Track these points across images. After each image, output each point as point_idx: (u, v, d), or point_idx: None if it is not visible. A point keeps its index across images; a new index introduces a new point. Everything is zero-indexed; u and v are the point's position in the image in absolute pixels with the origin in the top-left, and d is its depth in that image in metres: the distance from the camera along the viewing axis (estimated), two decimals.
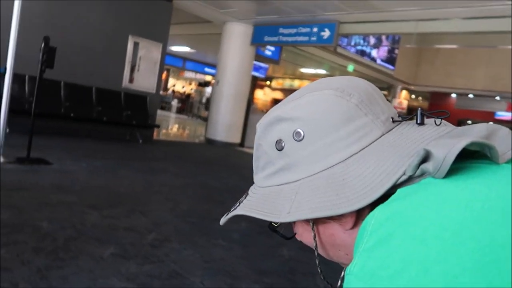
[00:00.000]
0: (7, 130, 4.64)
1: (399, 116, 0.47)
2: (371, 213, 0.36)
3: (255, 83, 17.36)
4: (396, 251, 0.32)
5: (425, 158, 0.36)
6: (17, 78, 6.06)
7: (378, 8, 6.93)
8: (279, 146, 0.46)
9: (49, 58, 4.61)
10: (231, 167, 6.86)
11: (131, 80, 8.16)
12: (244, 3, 7.92)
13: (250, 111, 10.24)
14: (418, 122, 0.44)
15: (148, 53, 8.37)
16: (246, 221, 3.58)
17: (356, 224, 0.43)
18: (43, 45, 4.56)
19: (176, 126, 15.13)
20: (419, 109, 0.46)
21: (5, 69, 4.47)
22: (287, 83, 20.90)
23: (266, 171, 0.49)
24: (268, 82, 21.79)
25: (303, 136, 0.44)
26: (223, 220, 0.52)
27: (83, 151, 5.82)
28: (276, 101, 22.02)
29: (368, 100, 0.45)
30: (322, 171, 0.43)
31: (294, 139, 0.45)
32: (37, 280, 2.01)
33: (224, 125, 9.65)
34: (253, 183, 0.53)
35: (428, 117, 0.46)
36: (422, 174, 0.37)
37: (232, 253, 2.83)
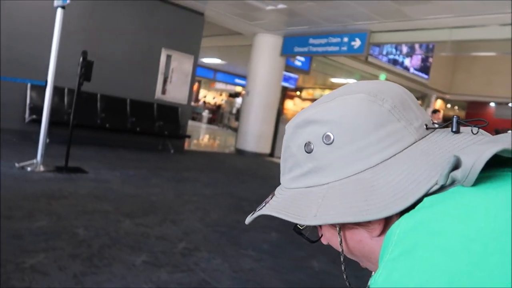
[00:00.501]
0: (47, 140, 4.86)
1: (433, 123, 0.45)
2: (396, 223, 0.36)
3: (285, 94, 17.39)
4: (421, 262, 0.31)
5: (456, 166, 0.35)
6: (57, 91, 6.36)
7: (410, 17, 6.81)
8: (308, 148, 0.46)
9: (87, 71, 4.81)
10: (260, 177, 6.87)
11: (163, 91, 8.38)
12: (274, 15, 7.99)
13: (280, 121, 10.25)
14: (454, 130, 0.43)
15: (180, 65, 8.58)
16: (276, 231, 3.56)
17: (384, 231, 0.42)
18: (81, 59, 4.77)
19: (207, 136, 15.33)
20: (454, 116, 0.44)
21: (46, 82, 4.70)
22: (317, 93, 20.79)
23: (293, 173, 0.49)
24: (298, 93, 21.76)
25: (333, 140, 0.44)
26: (248, 220, 0.52)
27: (117, 161, 5.99)
28: None
29: (401, 106, 0.44)
30: (351, 176, 0.43)
31: (324, 142, 0.44)
32: (72, 286, 2.08)
33: (254, 136, 9.69)
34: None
35: (464, 125, 0.44)
36: (453, 182, 0.36)
37: (261, 263, 2.82)
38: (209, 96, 26.67)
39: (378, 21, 7.30)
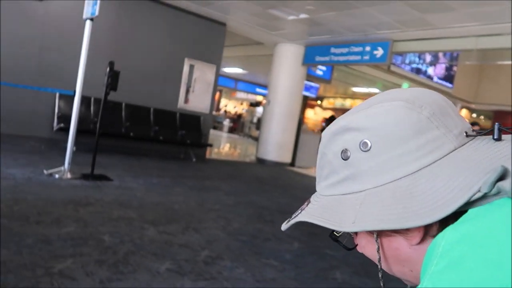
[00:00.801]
0: (74, 148, 4.98)
1: (473, 131, 0.45)
2: (441, 234, 0.36)
3: (306, 103, 17.35)
4: (469, 275, 0.31)
5: (503, 176, 0.35)
6: (83, 100, 6.53)
7: (434, 25, 6.72)
8: (344, 155, 0.46)
9: (113, 81, 4.93)
10: (281, 186, 6.85)
11: (186, 101, 8.50)
12: (296, 24, 8.03)
13: (301, 131, 10.22)
14: (496, 137, 0.42)
15: (202, 75, 8.70)
16: (298, 241, 3.54)
17: (423, 239, 0.42)
18: (108, 69, 4.90)
19: (228, 145, 15.42)
20: (496, 123, 0.43)
21: (75, 92, 4.85)
22: (338, 102, 20.67)
23: (329, 180, 0.48)
24: (319, 102, 21.68)
25: (370, 147, 0.44)
26: (285, 226, 0.52)
27: (141, 169, 6.09)
28: (326, 121, 21.81)
29: (440, 113, 0.44)
30: (389, 183, 0.43)
31: (361, 150, 0.44)
32: None
33: (275, 145, 9.69)
34: (308, 195, 0.54)
35: (506, 132, 0.43)
36: (498, 193, 0.35)
37: (283, 273, 2.81)
38: (230, 105, 26.87)
39: (401, 30, 7.24)
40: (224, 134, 20.16)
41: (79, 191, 4.12)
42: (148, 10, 7.74)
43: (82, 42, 4.79)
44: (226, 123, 22.12)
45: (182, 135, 8.10)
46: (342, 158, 0.46)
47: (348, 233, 0.51)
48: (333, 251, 3.42)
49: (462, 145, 0.43)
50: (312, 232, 3.84)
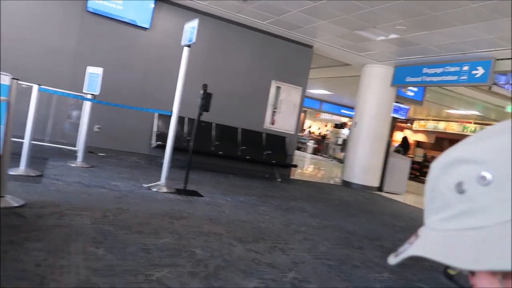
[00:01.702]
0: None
1: None
2: None
3: (394, 125, 16.62)
4: None
5: None
6: (178, 120, 7.01)
7: None
8: (459, 189, 0.43)
9: (206, 102, 5.24)
10: (369, 211, 6.58)
11: (272, 121, 8.69)
12: (385, 45, 7.82)
13: (390, 154, 9.79)
14: None
15: (288, 97, 8.84)
16: (389, 272, 3.36)
17: None
18: (202, 91, 5.22)
19: (312, 166, 15.30)
20: None
21: (172, 112, 5.23)
22: (430, 125, 19.45)
23: (442, 214, 0.46)
24: (408, 124, 20.64)
25: (491, 181, 0.41)
26: (394, 260, 0.49)
27: (228, 187, 6.31)
28: (416, 144, 20.62)
29: None
30: None
31: (479, 183, 0.41)
32: None
33: (362, 168, 9.39)
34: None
35: None
36: None
37: None
38: (314, 126, 26.80)
39: (504, 47, 6.65)
40: (307, 155, 20.08)
41: (174, 205, 4.40)
42: (238, 35, 8.15)
43: (180, 66, 5.18)
44: (310, 144, 22.04)
45: (268, 155, 8.25)
46: (457, 192, 0.43)
47: (462, 272, 0.48)
48: (427, 285, 3.18)
49: None
50: (403, 263, 3.61)
